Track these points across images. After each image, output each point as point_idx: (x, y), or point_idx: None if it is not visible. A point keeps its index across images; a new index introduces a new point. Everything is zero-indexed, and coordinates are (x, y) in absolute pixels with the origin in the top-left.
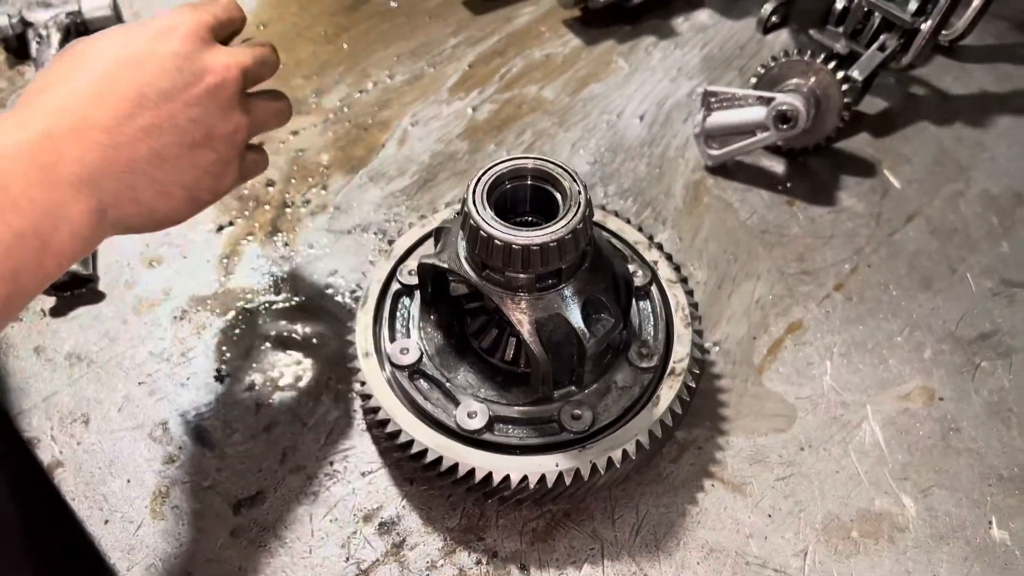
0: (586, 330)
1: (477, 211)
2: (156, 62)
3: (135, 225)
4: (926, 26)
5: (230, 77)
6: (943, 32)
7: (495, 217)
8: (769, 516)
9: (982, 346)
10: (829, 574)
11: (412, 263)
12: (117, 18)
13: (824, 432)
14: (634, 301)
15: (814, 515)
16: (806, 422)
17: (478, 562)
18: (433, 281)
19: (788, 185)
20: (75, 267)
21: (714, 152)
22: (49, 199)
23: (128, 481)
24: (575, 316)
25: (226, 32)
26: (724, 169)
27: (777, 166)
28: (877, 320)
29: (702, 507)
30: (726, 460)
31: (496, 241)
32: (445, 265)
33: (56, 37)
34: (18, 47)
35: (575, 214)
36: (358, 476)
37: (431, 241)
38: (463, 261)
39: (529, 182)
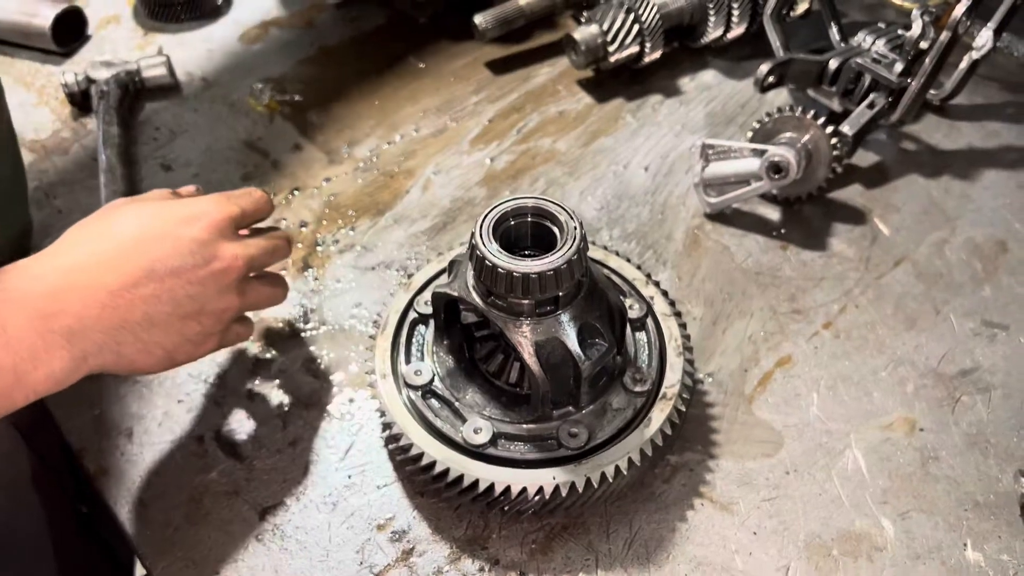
0: (582, 353)
1: (483, 244)
2: (174, 242)
3: (110, 369)
4: (912, 86)
5: (234, 266)
6: (934, 92)
7: (500, 249)
8: (754, 534)
9: (963, 381)
10: None
11: (428, 295)
12: (171, 76)
13: (809, 458)
14: (631, 332)
15: (797, 534)
16: (792, 448)
17: (481, 569)
18: (445, 309)
19: (782, 231)
20: None
21: (712, 200)
22: (37, 343)
23: (165, 489)
24: (572, 340)
25: (250, 222)
26: (722, 216)
27: (772, 213)
28: (863, 356)
29: (692, 524)
30: (716, 481)
31: (499, 270)
32: (455, 293)
33: (116, 93)
34: (82, 102)
35: (571, 246)
36: (373, 488)
37: (445, 276)
38: (471, 289)
39: (530, 219)
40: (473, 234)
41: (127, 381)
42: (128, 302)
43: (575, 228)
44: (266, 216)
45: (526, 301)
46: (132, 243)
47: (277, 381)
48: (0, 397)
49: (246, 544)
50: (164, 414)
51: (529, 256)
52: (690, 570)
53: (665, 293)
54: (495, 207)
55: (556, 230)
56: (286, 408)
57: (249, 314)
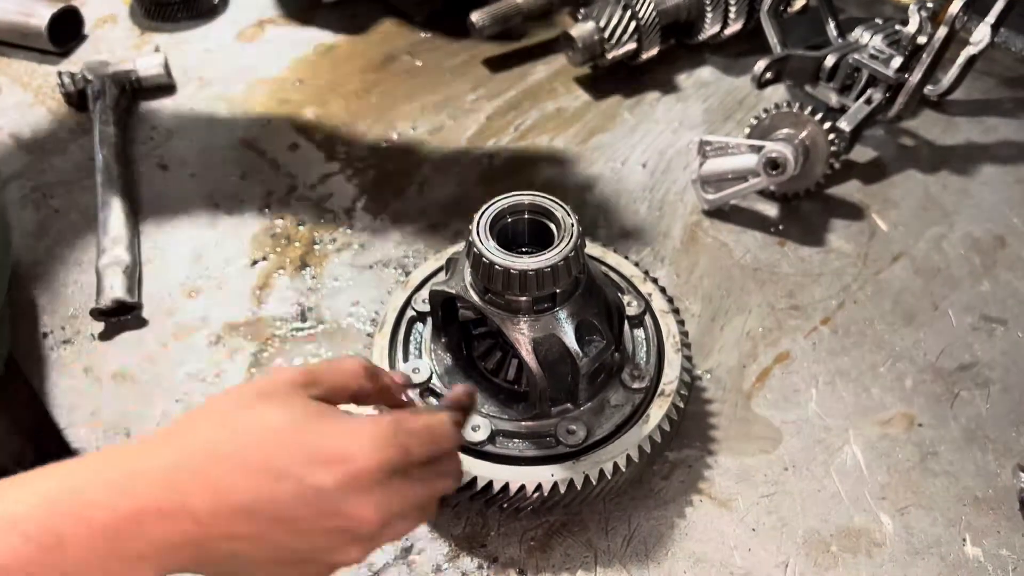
0: (579, 350)
1: (481, 241)
2: (294, 486)
3: None
4: (910, 81)
5: (364, 526)
6: (931, 87)
7: (497, 246)
8: (753, 530)
9: (961, 377)
10: None
11: (425, 293)
12: (168, 76)
13: (808, 454)
14: (629, 328)
15: (796, 530)
16: (791, 444)
17: (480, 567)
18: (443, 307)
19: (780, 227)
20: (122, 295)
21: (710, 196)
22: (107, 569)
23: None
24: (569, 337)
25: (422, 459)
26: (720, 212)
27: (770, 210)
28: (861, 352)
29: (690, 520)
30: (714, 478)
31: (497, 267)
32: (453, 291)
33: (113, 93)
34: (79, 101)
35: (568, 243)
36: None
37: (443, 274)
38: (468, 287)
39: (527, 216)
40: (470, 231)
41: (125, 380)
42: (214, 538)
43: (572, 225)
44: (450, 447)
45: (523, 298)
46: (242, 466)
47: None
48: None
49: None
50: (162, 413)
51: (526, 253)
52: (689, 566)
53: (663, 290)
54: (492, 204)
55: (553, 227)
56: None
57: None
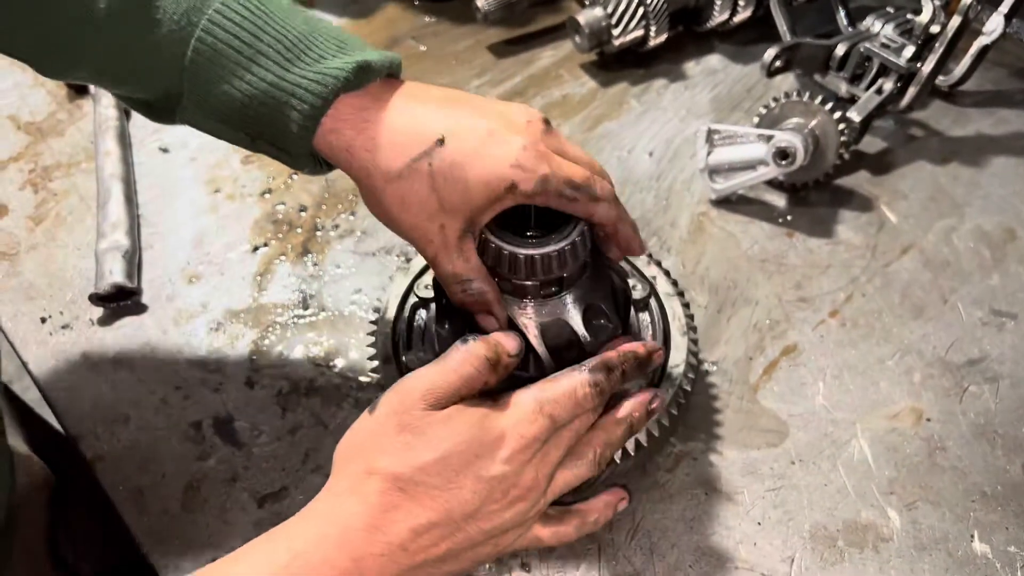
0: (587, 334)
1: (486, 224)
2: (474, 483)
3: None
4: (922, 71)
5: (533, 493)
6: (942, 78)
7: (503, 231)
8: (759, 524)
9: (970, 371)
10: None
11: (428, 278)
12: None
13: (814, 448)
14: (634, 312)
15: (802, 524)
16: (797, 438)
17: None
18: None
19: (788, 218)
20: (121, 280)
21: (718, 186)
22: None
23: (162, 475)
24: (576, 321)
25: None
26: (728, 202)
27: (778, 200)
28: (869, 345)
29: (695, 514)
30: (720, 471)
31: (504, 252)
32: None
33: None
34: (79, 84)
35: (575, 227)
36: None
37: None
38: None
39: None
40: None
41: (123, 366)
42: (415, 552)
43: None
44: (593, 406)
45: (530, 283)
46: (429, 484)
47: (276, 367)
48: None
49: (245, 532)
50: (161, 400)
51: (532, 237)
52: (694, 560)
53: (667, 273)
54: None
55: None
56: (285, 395)
57: None
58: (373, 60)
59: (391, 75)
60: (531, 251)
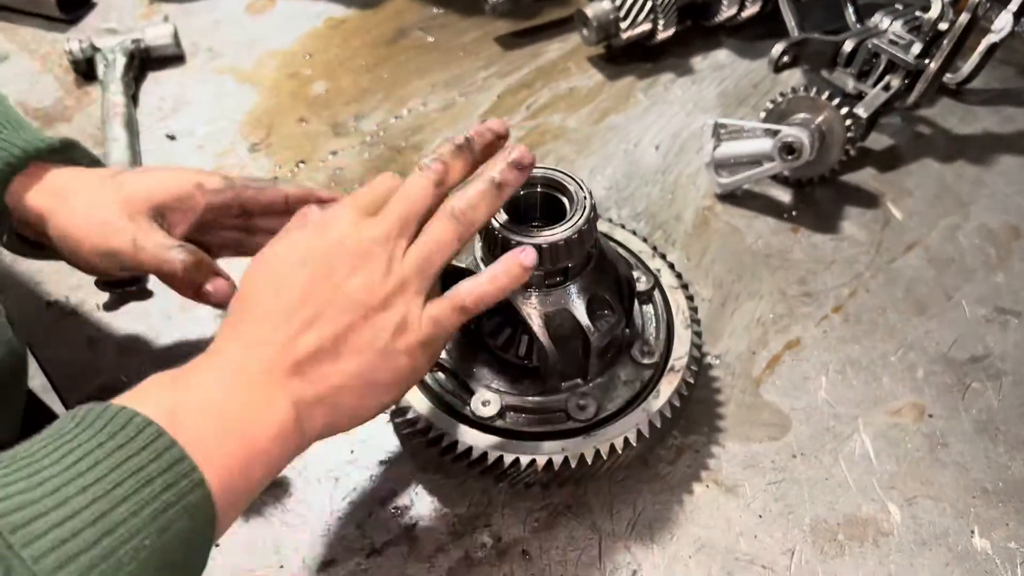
0: (591, 325)
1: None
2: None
3: (331, 429)
4: (929, 68)
5: (384, 248)
6: (950, 75)
7: (508, 220)
8: (760, 517)
9: (973, 368)
10: (814, 573)
11: None
12: (177, 46)
13: (816, 442)
14: (638, 304)
15: (802, 517)
16: (799, 432)
17: (483, 546)
18: (452, 282)
19: (794, 213)
20: None
21: (723, 180)
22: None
23: None
24: (581, 312)
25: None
26: (733, 197)
27: (784, 195)
28: (872, 341)
29: (696, 505)
30: (721, 464)
31: (510, 241)
32: (463, 265)
33: (121, 61)
34: (87, 70)
35: (581, 217)
36: (376, 464)
37: None
38: (479, 261)
39: (539, 189)
40: None
41: (126, 351)
42: (301, 380)
43: (585, 198)
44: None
45: (535, 273)
46: (276, 322)
47: None
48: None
49: (247, 518)
50: None
51: (538, 227)
52: (694, 551)
53: (672, 265)
54: None
55: (565, 200)
56: None
57: None
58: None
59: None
60: (536, 240)
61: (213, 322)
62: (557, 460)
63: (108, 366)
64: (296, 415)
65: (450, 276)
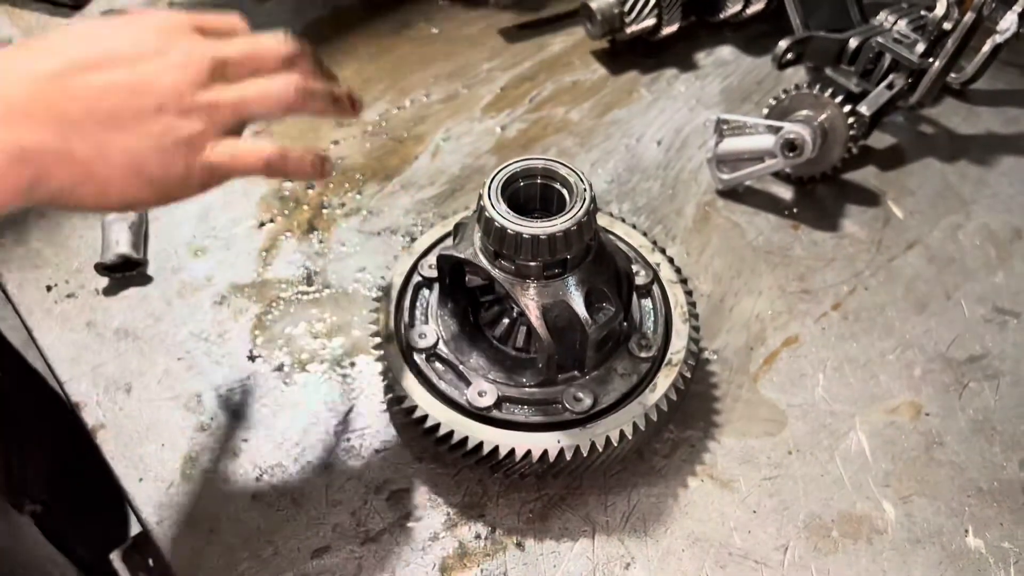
0: (588, 317)
1: (492, 205)
2: (117, 34)
3: (73, 189)
4: (933, 67)
5: (194, 60)
6: (954, 75)
7: (508, 210)
8: (754, 512)
9: (971, 367)
10: (808, 569)
11: (432, 258)
12: None
13: (812, 438)
14: (636, 298)
15: (797, 514)
16: (796, 428)
17: (477, 536)
18: (451, 272)
19: (795, 210)
20: (127, 251)
21: (725, 176)
22: None
23: (163, 445)
24: (579, 304)
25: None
26: (734, 193)
27: (785, 192)
28: (871, 338)
29: (691, 500)
30: (717, 458)
31: (508, 231)
32: (462, 255)
33: None
34: None
35: (580, 208)
36: (372, 452)
37: (450, 239)
38: (478, 252)
39: (539, 180)
40: (481, 195)
41: (128, 336)
42: (61, 91)
43: (585, 190)
44: (237, 35)
45: (534, 263)
46: (64, 40)
47: (278, 342)
48: None
49: (243, 504)
50: (164, 371)
51: (538, 218)
52: (687, 545)
53: (671, 260)
54: (504, 168)
55: (565, 192)
56: (287, 369)
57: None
58: None
59: None
60: (536, 231)
61: (211, 309)
62: (552, 452)
63: (107, 350)
64: (26, 148)
65: (453, 268)
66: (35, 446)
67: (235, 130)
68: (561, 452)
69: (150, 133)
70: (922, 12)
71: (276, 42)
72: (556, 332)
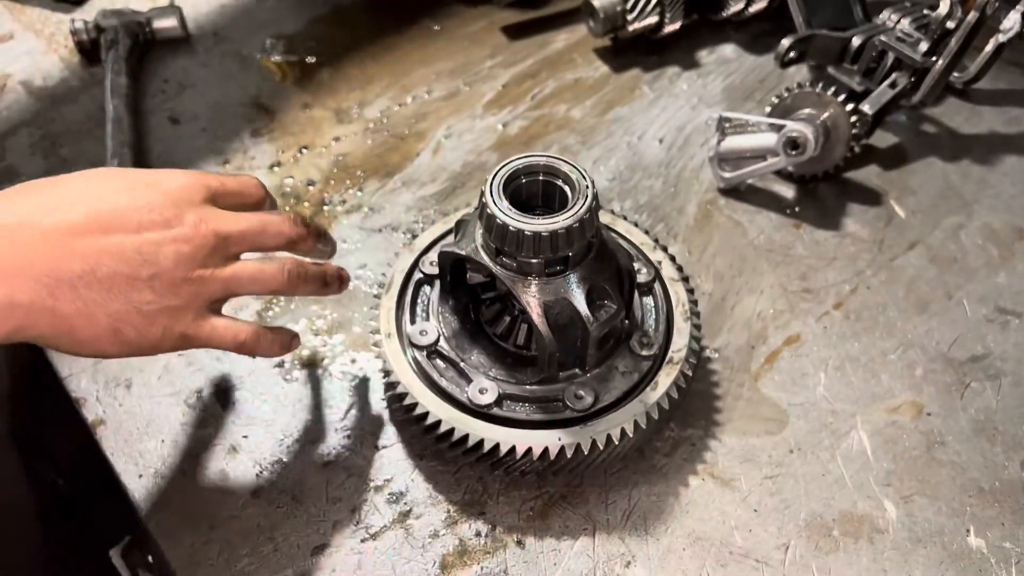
0: (590, 314)
1: (494, 201)
2: (129, 197)
3: (50, 338)
4: (936, 66)
5: (199, 235)
6: (957, 75)
7: (510, 207)
8: (755, 511)
9: (973, 367)
10: (808, 568)
11: (433, 255)
12: (182, 29)
13: (813, 437)
14: (638, 296)
15: (798, 513)
16: (797, 427)
17: (478, 534)
18: (452, 269)
19: (796, 209)
20: None
21: (727, 174)
22: None
23: (163, 441)
24: (580, 301)
25: (232, 201)
26: (736, 191)
27: (787, 191)
28: (872, 338)
29: (691, 498)
30: (718, 457)
31: (510, 228)
32: (463, 252)
33: (126, 43)
34: (91, 51)
35: (582, 205)
36: (372, 449)
37: (451, 236)
38: (480, 248)
39: (541, 177)
40: (483, 192)
41: None
42: (65, 249)
43: (587, 187)
44: (253, 200)
45: (536, 260)
46: (81, 193)
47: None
48: None
49: (242, 500)
50: (164, 367)
51: (540, 215)
52: (688, 544)
53: (673, 258)
54: (506, 164)
55: (568, 189)
56: (287, 366)
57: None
58: None
59: None
60: (538, 227)
61: None
62: (553, 449)
63: None
64: (15, 303)
65: (454, 265)
66: (62, 421)
67: (222, 301)
68: (562, 450)
69: (137, 300)
70: (925, 11)
71: (282, 224)
72: (557, 329)
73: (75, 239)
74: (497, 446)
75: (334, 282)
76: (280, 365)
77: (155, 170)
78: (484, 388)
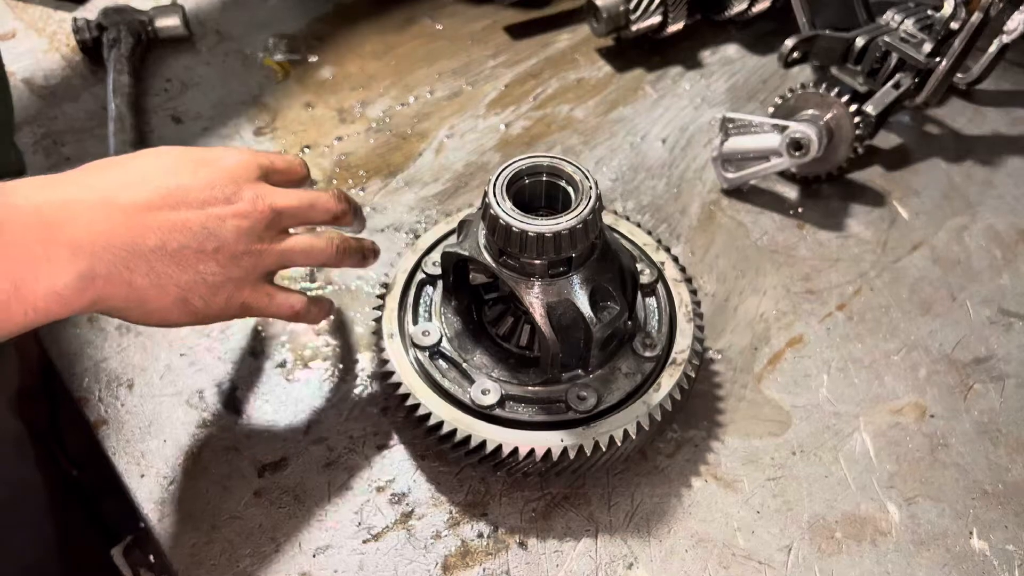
0: (593, 316)
1: (497, 202)
2: (192, 175)
3: (123, 309)
4: (940, 67)
5: (258, 209)
6: (960, 76)
7: (513, 208)
8: (758, 512)
9: (976, 369)
10: (811, 570)
11: (436, 255)
12: (185, 28)
13: (816, 439)
14: (641, 297)
15: (801, 514)
16: (800, 428)
17: (480, 535)
18: (454, 269)
19: (800, 210)
20: None
21: (730, 175)
22: (37, 251)
23: (164, 441)
24: (583, 302)
25: (280, 179)
26: (739, 192)
27: (790, 192)
28: (876, 339)
29: (694, 500)
30: (720, 459)
31: (514, 229)
32: (466, 253)
33: (128, 42)
34: (94, 49)
35: (586, 206)
36: (375, 450)
37: (454, 237)
38: (483, 249)
39: (544, 178)
40: (486, 192)
41: (130, 331)
42: (141, 224)
43: (590, 188)
44: (298, 178)
45: (539, 261)
46: (149, 171)
47: (281, 339)
48: None
49: (244, 500)
50: (166, 367)
51: (543, 216)
52: (691, 545)
53: (676, 259)
54: (509, 165)
55: (571, 190)
56: (289, 366)
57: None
58: None
59: None
60: (541, 228)
61: None
62: (556, 451)
63: (109, 346)
64: (95, 275)
65: (457, 265)
66: (75, 415)
67: (276, 271)
68: (564, 451)
69: (204, 271)
70: (929, 12)
71: (329, 200)
72: (560, 330)
73: (149, 214)
74: (499, 447)
75: (371, 255)
76: (282, 365)
77: (212, 148)
78: (487, 389)
